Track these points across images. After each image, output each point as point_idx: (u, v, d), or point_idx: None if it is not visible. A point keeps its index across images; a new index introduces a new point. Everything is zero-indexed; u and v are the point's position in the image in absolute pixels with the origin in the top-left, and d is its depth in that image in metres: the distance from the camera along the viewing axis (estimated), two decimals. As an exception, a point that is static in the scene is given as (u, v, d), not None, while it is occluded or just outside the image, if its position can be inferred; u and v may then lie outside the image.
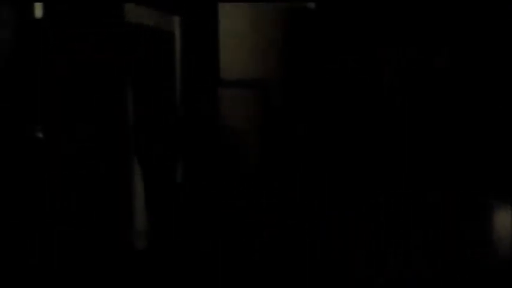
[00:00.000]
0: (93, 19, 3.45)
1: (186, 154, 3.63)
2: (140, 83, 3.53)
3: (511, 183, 4.32)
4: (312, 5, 4.54)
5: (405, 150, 4.43)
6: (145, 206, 3.65)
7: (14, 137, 3.43)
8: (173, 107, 3.58)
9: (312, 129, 4.60)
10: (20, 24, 3.45)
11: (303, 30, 4.61)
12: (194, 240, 3.96)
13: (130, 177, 3.55)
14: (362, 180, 4.46)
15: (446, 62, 4.37)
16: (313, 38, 4.53)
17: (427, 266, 4.32)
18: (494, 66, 4.34)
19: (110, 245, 3.55)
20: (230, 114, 4.74)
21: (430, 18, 4.36)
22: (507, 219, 4.30)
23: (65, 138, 3.50)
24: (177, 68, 3.52)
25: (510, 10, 4.29)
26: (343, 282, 4.39)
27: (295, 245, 4.58)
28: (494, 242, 4.31)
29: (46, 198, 3.48)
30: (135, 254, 3.66)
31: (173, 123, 3.61)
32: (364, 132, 4.46)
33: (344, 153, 4.49)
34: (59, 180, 3.48)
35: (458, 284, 4.28)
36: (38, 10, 3.52)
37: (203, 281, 4.22)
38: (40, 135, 3.52)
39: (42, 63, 3.48)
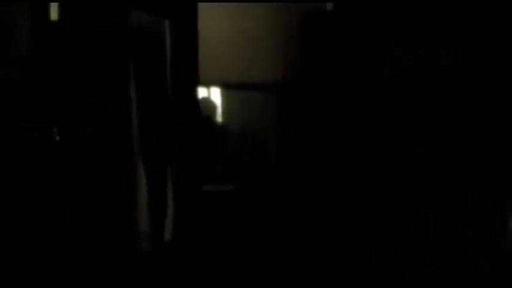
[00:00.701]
0: (100, 22, 3.53)
1: (179, 155, 3.69)
2: (141, 84, 3.60)
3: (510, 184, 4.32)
4: (330, 5, 4.56)
5: (407, 150, 4.44)
6: (149, 206, 3.70)
7: (30, 139, 3.49)
8: (166, 108, 3.66)
9: (323, 130, 4.62)
10: (36, 26, 3.52)
11: (321, 32, 4.63)
12: (196, 242, 4.00)
13: (133, 178, 3.61)
14: (364, 180, 4.47)
15: (452, 62, 4.37)
16: (331, 39, 4.55)
17: (427, 267, 4.33)
18: (499, 68, 4.34)
19: (113, 246, 3.59)
20: (247, 117, 4.78)
21: (437, 17, 4.36)
22: (507, 220, 4.31)
23: (68, 138, 3.56)
24: (167, 70, 3.61)
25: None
26: (343, 282, 4.41)
27: (296, 247, 4.60)
28: (494, 242, 4.32)
29: (50, 199, 3.52)
30: (138, 255, 3.69)
31: (167, 125, 3.68)
32: (371, 132, 4.46)
33: (350, 153, 4.49)
34: (62, 181, 3.53)
35: (459, 284, 4.29)
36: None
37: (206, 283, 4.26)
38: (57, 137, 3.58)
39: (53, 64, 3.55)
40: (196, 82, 3.73)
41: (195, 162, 3.76)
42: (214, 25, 4.65)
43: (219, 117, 4.69)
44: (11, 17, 3.51)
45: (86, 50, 3.53)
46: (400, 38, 4.38)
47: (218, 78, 4.67)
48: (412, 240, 4.34)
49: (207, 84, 4.62)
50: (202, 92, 4.66)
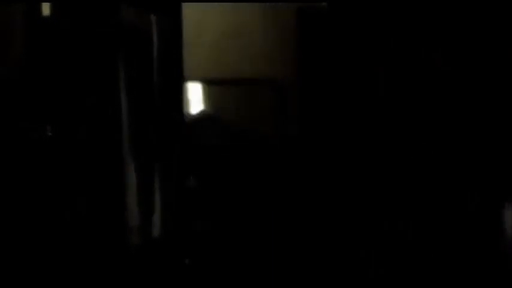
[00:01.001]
0: (91, 17, 3.56)
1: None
2: (129, 81, 3.63)
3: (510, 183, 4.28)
4: (324, 4, 4.56)
5: (406, 150, 4.42)
6: (138, 202, 3.72)
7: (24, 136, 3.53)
8: (154, 105, 3.69)
9: (319, 128, 4.61)
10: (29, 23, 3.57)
11: (315, 30, 4.63)
12: (184, 238, 4.02)
13: (123, 174, 3.64)
14: (363, 180, 4.45)
15: (447, 61, 4.34)
16: (324, 38, 4.55)
17: (427, 266, 4.30)
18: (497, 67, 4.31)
19: (104, 241, 3.62)
20: (241, 114, 4.79)
21: (435, 15, 4.34)
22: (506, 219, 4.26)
23: (61, 135, 3.59)
24: (154, 66, 3.64)
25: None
26: (343, 282, 4.40)
27: (296, 247, 4.59)
28: (494, 242, 4.28)
29: (41, 194, 3.56)
30: (128, 250, 3.72)
31: (155, 122, 3.70)
32: (369, 131, 4.45)
33: (349, 152, 4.48)
34: (55, 177, 3.57)
35: (458, 284, 4.26)
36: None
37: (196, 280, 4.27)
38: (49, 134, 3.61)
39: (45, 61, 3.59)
40: (181, 79, 3.77)
41: (180, 158, 3.79)
42: (207, 21, 4.68)
43: (216, 114, 4.73)
44: (7, 16, 3.56)
45: (76, 46, 3.57)
46: (397, 37, 4.37)
47: (213, 74, 4.70)
48: (412, 240, 4.32)
49: (200, 80, 4.66)
50: (196, 89, 4.70)
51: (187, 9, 3.95)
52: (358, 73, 4.45)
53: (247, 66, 4.73)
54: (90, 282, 3.60)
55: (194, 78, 4.61)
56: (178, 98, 3.75)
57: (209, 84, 4.72)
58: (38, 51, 3.59)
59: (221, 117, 4.75)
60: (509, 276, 4.18)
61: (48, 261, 3.56)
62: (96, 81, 3.59)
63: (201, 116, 4.72)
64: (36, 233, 3.55)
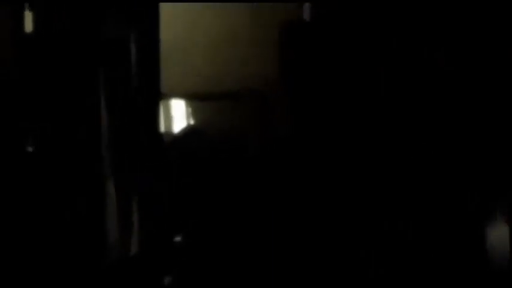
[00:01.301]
0: (72, 31, 3.56)
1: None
2: (109, 95, 3.63)
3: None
4: (307, 13, 4.56)
5: (405, 150, 4.41)
6: (117, 217, 3.71)
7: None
8: (132, 118, 3.70)
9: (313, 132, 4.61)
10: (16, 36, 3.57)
11: (297, 42, 4.64)
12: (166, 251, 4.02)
13: (103, 187, 3.63)
14: (363, 180, 4.45)
15: (449, 61, 4.34)
16: (307, 48, 4.56)
17: (426, 266, 4.30)
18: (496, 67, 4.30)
19: (81, 255, 3.62)
20: (225, 125, 4.81)
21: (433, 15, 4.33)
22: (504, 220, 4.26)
23: (42, 147, 3.59)
24: (133, 80, 3.66)
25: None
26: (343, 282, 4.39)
27: (295, 248, 4.59)
28: (493, 242, 4.28)
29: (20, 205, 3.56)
30: (106, 265, 3.71)
31: (134, 135, 3.71)
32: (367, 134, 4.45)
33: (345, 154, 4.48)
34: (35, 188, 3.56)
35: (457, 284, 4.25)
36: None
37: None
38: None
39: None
40: (159, 92, 3.79)
41: (158, 172, 3.80)
42: (197, 28, 4.70)
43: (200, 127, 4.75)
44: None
45: (57, 61, 3.57)
46: (381, 45, 4.37)
47: (195, 88, 4.72)
48: (411, 240, 4.32)
49: (184, 94, 4.68)
50: (180, 103, 4.72)
51: (170, 22, 3.97)
52: (341, 82, 4.45)
53: (231, 78, 4.75)
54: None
55: (178, 93, 4.63)
56: (156, 111, 3.77)
57: (193, 98, 4.74)
58: (22, 66, 3.60)
59: (206, 129, 4.77)
60: (505, 275, 4.18)
61: (27, 275, 3.55)
62: (76, 96, 3.59)
63: (187, 130, 4.74)
64: (14, 246, 3.55)
